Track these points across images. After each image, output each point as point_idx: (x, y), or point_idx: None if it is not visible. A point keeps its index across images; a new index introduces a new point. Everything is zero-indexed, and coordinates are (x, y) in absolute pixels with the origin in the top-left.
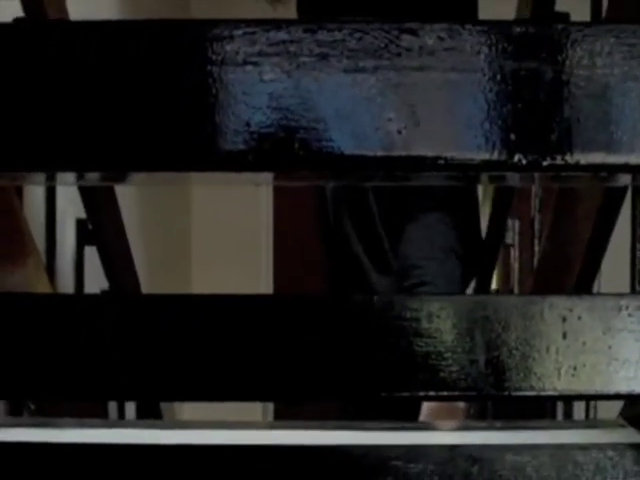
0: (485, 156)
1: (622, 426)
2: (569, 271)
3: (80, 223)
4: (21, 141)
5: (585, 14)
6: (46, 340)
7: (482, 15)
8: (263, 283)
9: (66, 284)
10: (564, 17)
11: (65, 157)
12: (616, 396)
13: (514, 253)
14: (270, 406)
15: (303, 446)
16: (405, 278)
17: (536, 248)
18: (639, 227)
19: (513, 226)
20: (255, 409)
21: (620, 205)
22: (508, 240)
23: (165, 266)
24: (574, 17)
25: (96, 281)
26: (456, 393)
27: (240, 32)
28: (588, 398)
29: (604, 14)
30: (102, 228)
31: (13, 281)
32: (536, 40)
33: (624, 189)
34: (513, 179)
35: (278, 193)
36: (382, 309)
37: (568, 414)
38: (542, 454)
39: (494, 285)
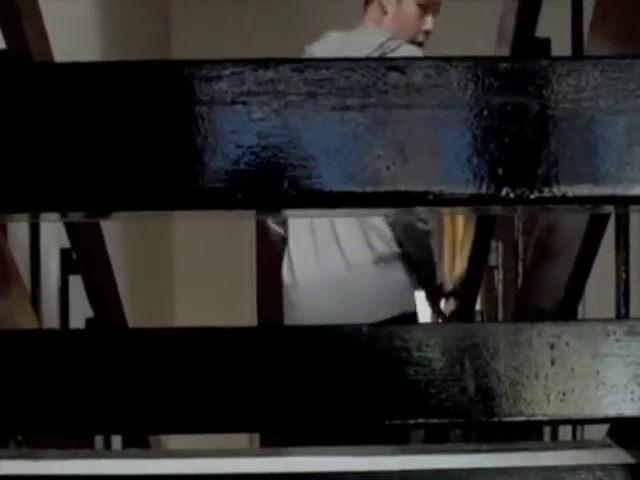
0: (473, 190)
1: (609, 446)
2: (552, 295)
3: (64, 252)
4: (4, 183)
5: (566, 39)
6: (33, 374)
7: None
8: (247, 314)
9: (51, 313)
10: (545, 43)
11: (55, 198)
12: (605, 420)
13: (498, 275)
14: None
15: (294, 474)
16: None
17: (520, 270)
18: (623, 251)
19: (497, 248)
20: (241, 436)
21: (603, 230)
22: (492, 262)
23: (148, 296)
24: (555, 42)
25: (81, 310)
26: (446, 420)
27: (228, 72)
28: (577, 422)
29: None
30: (86, 257)
31: None
32: (522, 75)
33: (608, 215)
34: (496, 209)
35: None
36: (371, 339)
37: (555, 433)
38: (532, 477)
39: (478, 306)
